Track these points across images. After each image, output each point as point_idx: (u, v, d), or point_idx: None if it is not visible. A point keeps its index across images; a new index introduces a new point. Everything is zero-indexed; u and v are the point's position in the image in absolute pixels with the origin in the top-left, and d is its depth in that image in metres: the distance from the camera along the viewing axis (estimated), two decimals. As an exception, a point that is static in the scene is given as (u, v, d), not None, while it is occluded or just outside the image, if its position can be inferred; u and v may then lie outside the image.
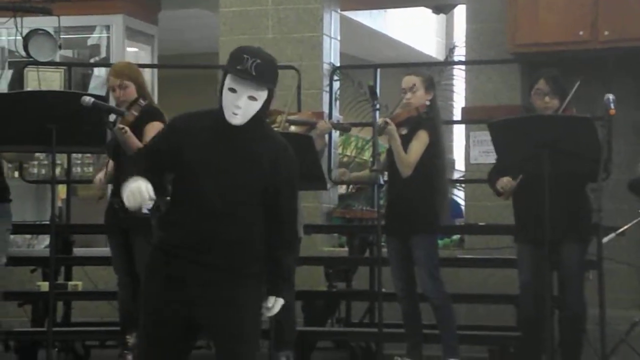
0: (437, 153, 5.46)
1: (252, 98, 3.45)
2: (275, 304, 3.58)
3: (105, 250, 6.01)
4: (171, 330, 3.51)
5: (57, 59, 7.85)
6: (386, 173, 5.62)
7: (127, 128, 5.19)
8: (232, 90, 3.45)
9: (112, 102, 5.55)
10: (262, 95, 3.47)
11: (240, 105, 3.44)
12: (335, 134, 7.40)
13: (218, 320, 3.49)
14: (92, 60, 8.97)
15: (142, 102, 5.41)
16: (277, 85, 3.53)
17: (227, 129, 3.49)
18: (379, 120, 5.33)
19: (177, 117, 3.66)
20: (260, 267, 3.56)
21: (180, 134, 3.54)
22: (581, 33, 6.55)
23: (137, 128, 5.24)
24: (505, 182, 5.21)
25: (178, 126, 3.59)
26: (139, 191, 3.41)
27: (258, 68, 3.42)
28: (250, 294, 3.52)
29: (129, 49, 8.72)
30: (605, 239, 5.21)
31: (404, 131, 5.49)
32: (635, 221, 5.86)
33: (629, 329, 5.87)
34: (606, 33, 6.50)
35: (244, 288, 3.50)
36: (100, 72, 8.81)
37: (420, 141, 5.42)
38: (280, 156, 3.55)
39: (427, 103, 5.49)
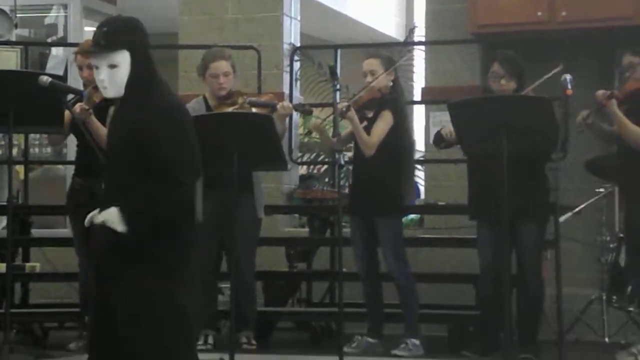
0: (402, 133, 5.48)
1: (112, 66, 3.43)
2: (96, 216, 3.46)
3: (63, 232, 5.98)
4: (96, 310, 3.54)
5: (14, 39, 7.74)
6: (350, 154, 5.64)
7: (90, 109, 5.13)
8: (95, 67, 3.47)
9: (76, 82, 5.49)
10: (123, 59, 3.43)
11: (104, 78, 3.44)
12: (296, 115, 7.38)
13: (116, 302, 3.41)
14: (49, 40, 8.86)
15: None
16: (139, 45, 3.46)
17: (116, 106, 3.52)
18: (340, 105, 5.31)
19: None
20: (163, 246, 3.41)
21: None
22: (539, 14, 6.59)
23: (103, 109, 5.19)
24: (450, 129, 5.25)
25: None
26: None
27: (107, 36, 3.42)
28: (148, 274, 3.39)
29: (87, 29, 8.60)
30: (562, 218, 5.29)
31: (370, 114, 5.50)
32: (591, 200, 5.95)
33: (585, 306, 5.97)
34: (564, 14, 6.55)
35: (140, 266, 3.39)
36: (57, 52, 8.70)
37: (384, 121, 5.43)
38: (154, 118, 3.42)
39: (390, 84, 5.50)
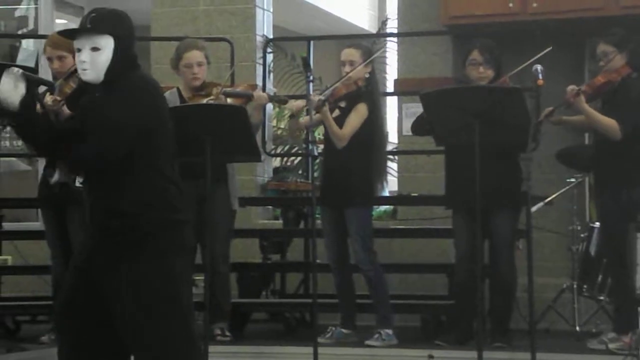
0: (375, 126, 5.49)
1: (94, 49, 3.46)
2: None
3: (35, 225, 5.94)
4: None
5: (-17, 31, 7.68)
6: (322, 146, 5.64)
7: (62, 100, 5.10)
8: (78, 50, 3.49)
9: (47, 74, 5.45)
10: (106, 44, 3.46)
11: (85, 59, 3.46)
12: (270, 107, 7.38)
13: (116, 294, 3.42)
14: (19, 32, 8.79)
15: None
16: (125, 36, 3.51)
17: (97, 92, 3.51)
18: (315, 98, 5.30)
19: None
20: (155, 234, 3.43)
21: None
22: (511, 5, 6.63)
23: (75, 100, 5.16)
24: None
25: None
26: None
27: (93, 19, 3.46)
28: (150, 266, 3.41)
29: (57, 21, 8.56)
30: (534, 208, 5.34)
31: (343, 104, 5.50)
32: (562, 190, 6.00)
33: (556, 295, 6.03)
34: (535, 5, 6.59)
35: (142, 258, 3.40)
36: (28, 44, 8.64)
37: (358, 114, 5.43)
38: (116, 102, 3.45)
39: (367, 76, 5.50)
